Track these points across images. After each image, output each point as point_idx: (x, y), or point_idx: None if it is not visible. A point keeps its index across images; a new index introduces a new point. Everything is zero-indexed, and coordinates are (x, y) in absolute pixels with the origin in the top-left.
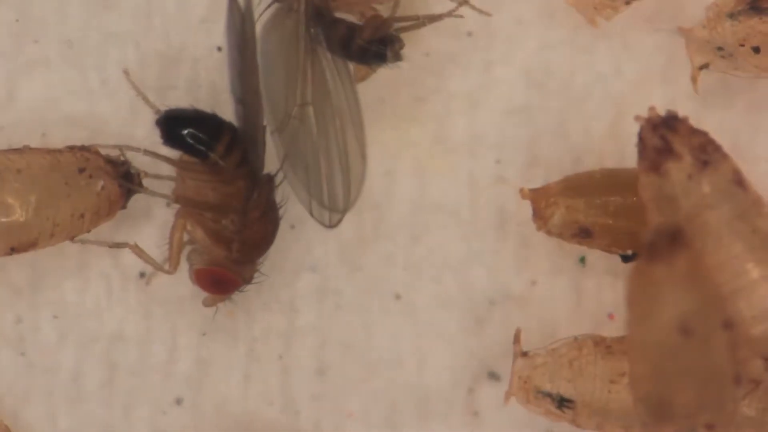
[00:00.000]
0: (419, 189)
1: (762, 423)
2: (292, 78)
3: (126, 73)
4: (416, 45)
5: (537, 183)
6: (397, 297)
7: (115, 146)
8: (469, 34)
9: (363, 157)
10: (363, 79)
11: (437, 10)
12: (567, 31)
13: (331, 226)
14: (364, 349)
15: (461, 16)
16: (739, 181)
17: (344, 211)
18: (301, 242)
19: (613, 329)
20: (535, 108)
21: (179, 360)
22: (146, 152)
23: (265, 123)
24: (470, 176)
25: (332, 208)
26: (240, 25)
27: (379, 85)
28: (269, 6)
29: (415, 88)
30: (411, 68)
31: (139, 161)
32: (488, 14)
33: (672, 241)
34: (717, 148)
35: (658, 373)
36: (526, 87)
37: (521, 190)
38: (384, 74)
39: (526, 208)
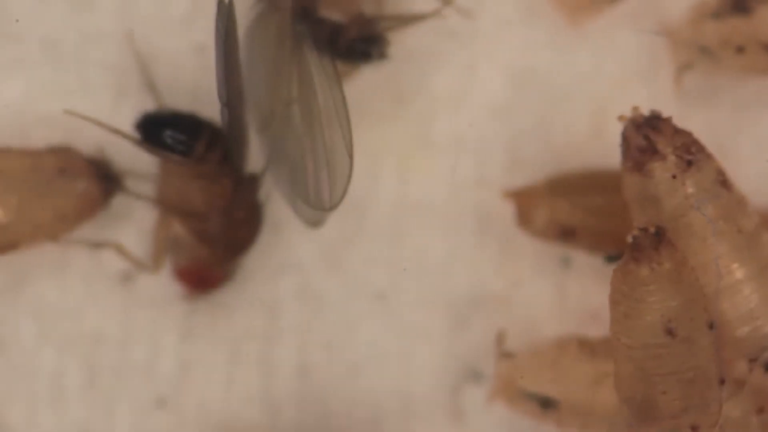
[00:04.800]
0: (401, 189)
1: (746, 424)
2: (277, 76)
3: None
4: (400, 44)
5: (519, 184)
6: (380, 297)
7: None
8: (453, 33)
9: (349, 156)
10: (346, 77)
11: (421, 9)
12: (549, 31)
13: (315, 225)
14: (347, 349)
15: (445, 16)
16: (723, 181)
17: (329, 211)
18: (283, 242)
19: (597, 330)
20: (517, 108)
21: (161, 361)
22: (134, 142)
23: (249, 121)
24: (452, 176)
25: (317, 208)
26: (226, 26)
27: (361, 84)
28: (255, 4)
29: (398, 88)
30: (394, 67)
31: (120, 161)
32: (471, 15)
33: (656, 241)
34: (701, 148)
35: (643, 374)
36: (508, 87)
37: (504, 192)
38: (367, 73)
39: (509, 208)
